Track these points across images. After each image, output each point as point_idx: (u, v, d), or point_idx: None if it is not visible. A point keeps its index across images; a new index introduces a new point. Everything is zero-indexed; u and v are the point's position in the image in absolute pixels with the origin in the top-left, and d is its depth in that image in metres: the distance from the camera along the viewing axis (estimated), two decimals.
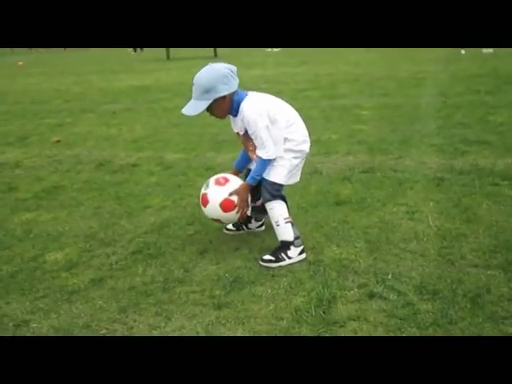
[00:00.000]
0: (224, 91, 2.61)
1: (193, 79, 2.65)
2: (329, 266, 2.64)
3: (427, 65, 11.35)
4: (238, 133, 2.83)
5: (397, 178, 3.91)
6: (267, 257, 2.71)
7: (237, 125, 2.78)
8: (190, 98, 2.67)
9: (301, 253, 2.73)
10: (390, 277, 2.49)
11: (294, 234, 2.73)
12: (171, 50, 19.74)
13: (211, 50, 18.89)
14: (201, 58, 17.93)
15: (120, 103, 8.68)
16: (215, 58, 18.00)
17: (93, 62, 21.09)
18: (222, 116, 2.76)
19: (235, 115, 2.73)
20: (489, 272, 2.48)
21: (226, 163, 4.58)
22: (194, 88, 2.65)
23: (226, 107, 2.68)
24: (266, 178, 2.72)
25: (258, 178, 2.72)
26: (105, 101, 9.05)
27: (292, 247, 2.71)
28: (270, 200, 2.72)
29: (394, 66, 11.64)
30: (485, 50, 12.71)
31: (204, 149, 5.22)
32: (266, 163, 2.69)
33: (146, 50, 26.20)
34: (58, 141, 6.03)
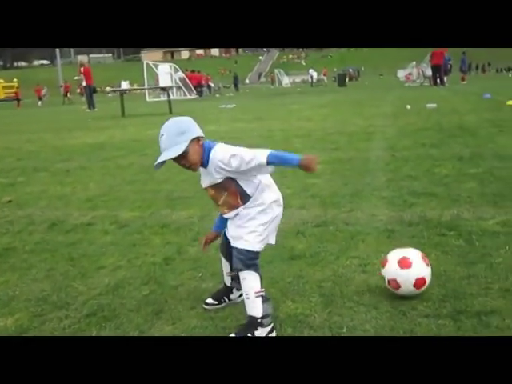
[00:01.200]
0: (197, 132, 2.52)
1: (159, 133, 2.51)
2: (284, 321, 2.67)
3: (376, 119, 11.81)
4: (206, 188, 2.67)
5: (349, 231, 4.02)
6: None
7: (206, 178, 2.63)
8: (156, 156, 2.53)
9: (269, 332, 2.53)
10: (344, 330, 2.53)
11: (264, 310, 2.52)
12: (126, 106, 19.86)
13: (166, 106, 19.11)
14: (156, 114, 18.15)
15: (74, 161, 8.63)
16: (170, 114, 18.23)
17: (46, 120, 20.96)
18: (197, 161, 2.54)
19: (206, 165, 2.56)
20: (439, 321, 2.55)
21: (181, 220, 4.60)
22: (163, 139, 2.48)
23: (200, 151, 2.52)
24: (237, 245, 2.56)
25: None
26: (58, 159, 8.99)
27: (259, 328, 2.50)
28: (241, 270, 2.54)
29: (344, 121, 12.05)
30: (428, 105, 13.35)
31: (159, 206, 5.23)
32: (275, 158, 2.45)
33: (100, 107, 26.28)
34: (10, 201, 5.92)
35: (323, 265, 3.39)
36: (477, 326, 2.48)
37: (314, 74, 52.75)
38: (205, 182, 2.67)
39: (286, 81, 58.29)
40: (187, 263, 3.60)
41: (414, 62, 41.03)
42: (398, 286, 2.79)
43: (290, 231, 4.10)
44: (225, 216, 2.69)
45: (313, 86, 46.48)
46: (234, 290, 2.92)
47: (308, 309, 2.78)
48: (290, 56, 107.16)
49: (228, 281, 2.90)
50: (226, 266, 2.88)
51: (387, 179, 5.68)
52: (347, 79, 48.23)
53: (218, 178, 2.57)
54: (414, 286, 2.77)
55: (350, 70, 65.11)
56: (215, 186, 2.62)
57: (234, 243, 2.59)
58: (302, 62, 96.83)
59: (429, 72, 29.01)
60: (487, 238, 3.68)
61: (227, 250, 2.73)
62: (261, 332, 2.51)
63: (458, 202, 4.61)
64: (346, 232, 4.01)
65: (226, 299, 2.92)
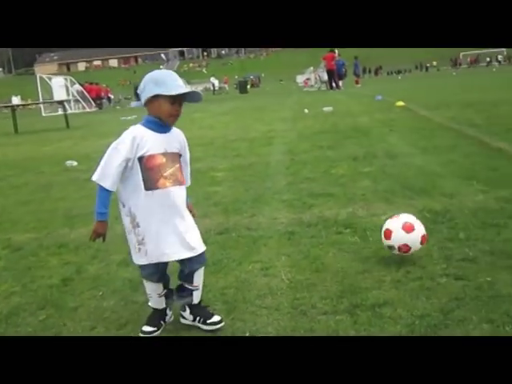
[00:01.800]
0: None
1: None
2: (188, 331, 2.65)
3: (276, 124, 12.08)
4: (154, 155, 2.53)
5: (251, 237, 4.07)
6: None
7: (161, 144, 2.58)
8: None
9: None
10: (247, 335, 2.55)
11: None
12: (20, 123, 18.89)
13: (63, 121, 18.39)
14: (52, 130, 17.44)
15: None
16: (68, 128, 17.59)
17: None
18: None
19: (168, 130, 2.64)
20: (337, 317, 2.64)
21: (80, 238, 4.43)
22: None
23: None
24: (199, 251, 2.63)
25: None
26: None
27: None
28: (198, 268, 2.69)
29: (246, 127, 12.21)
30: (325, 109, 13.85)
31: (56, 225, 5.01)
32: None
33: None
34: None
35: (226, 272, 3.41)
36: (371, 318, 2.59)
37: (216, 82, 53.09)
38: (158, 148, 2.54)
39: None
40: (87, 282, 3.48)
41: (312, 68, 42.40)
42: (408, 249, 3.19)
43: None
44: (165, 189, 2.53)
45: (215, 94, 46.69)
46: (168, 311, 2.79)
47: None
48: (191, 64, 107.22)
49: (162, 302, 2.75)
50: (156, 288, 2.70)
51: (287, 182, 5.82)
52: (249, 86, 48.92)
53: (175, 148, 2.62)
54: (421, 243, 3.22)
55: (251, 77, 66.15)
56: (169, 155, 2.57)
57: (192, 252, 2.58)
58: (204, 71, 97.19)
59: (325, 77, 30.09)
60: (380, 233, 3.86)
61: (162, 272, 2.68)
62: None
63: (353, 201, 4.81)
64: (248, 237, 4.06)
65: (163, 323, 2.74)
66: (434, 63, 74.26)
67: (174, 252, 2.56)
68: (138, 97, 3.49)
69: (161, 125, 2.58)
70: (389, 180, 5.46)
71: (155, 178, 2.52)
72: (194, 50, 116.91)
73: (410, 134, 8.53)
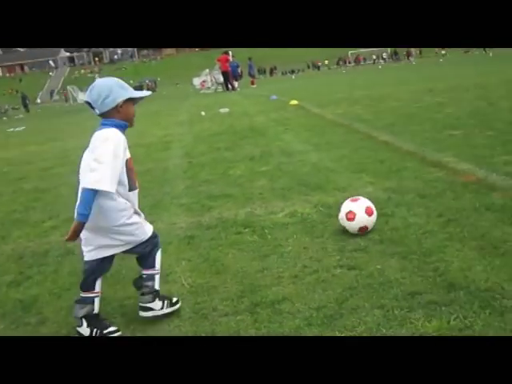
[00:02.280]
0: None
1: None
2: None
3: (173, 128, 11.98)
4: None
5: None
6: None
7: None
8: None
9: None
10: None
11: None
12: None
13: None
14: None
15: None
16: None
17: None
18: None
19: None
20: (238, 317, 2.66)
21: None
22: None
23: None
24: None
25: None
26: None
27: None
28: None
29: (142, 132, 11.94)
30: (222, 110, 13.93)
31: None
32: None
33: None
34: None
35: (125, 283, 3.32)
36: (271, 314, 2.64)
37: None
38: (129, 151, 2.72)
39: (81, 97, 55.97)
40: None
41: (207, 70, 42.40)
42: (366, 228, 3.57)
43: None
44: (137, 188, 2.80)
45: None
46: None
47: None
48: (83, 71, 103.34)
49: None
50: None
51: (186, 186, 5.78)
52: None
53: None
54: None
55: (147, 82, 65.01)
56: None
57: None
58: (96, 76, 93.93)
59: (221, 78, 30.24)
60: (278, 230, 3.95)
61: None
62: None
63: (251, 200, 4.87)
64: None
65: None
66: (326, 62, 77.03)
67: None
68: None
69: (127, 128, 2.71)
70: (285, 177, 5.59)
71: (133, 178, 2.74)
72: (85, 55, 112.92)
73: (303, 131, 8.79)
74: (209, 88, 37.61)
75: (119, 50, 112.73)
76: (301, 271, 3.14)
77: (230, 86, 28.44)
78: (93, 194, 2.49)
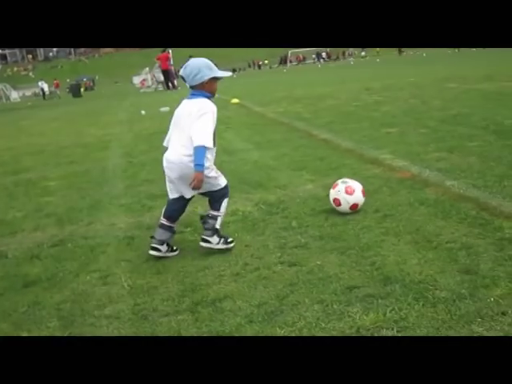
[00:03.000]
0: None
1: None
2: None
3: (113, 128, 11.73)
4: None
5: (89, 246, 3.89)
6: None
7: None
8: None
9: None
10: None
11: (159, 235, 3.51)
12: None
13: None
14: None
15: None
16: None
17: None
18: None
19: None
20: (179, 317, 2.64)
21: None
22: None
23: None
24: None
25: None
26: None
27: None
28: None
29: (80, 132, 11.67)
30: (162, 109, 13.76)
31: None
32: None
33: None
34: None
35: (62, 286, 3.22)
36: (212, 313, 2.63)
37: (45, 87, 49.81)
38: None
39: (14, 95, 53.94)
40: None
41: (147, 68, 41.80)
42: (356, 205, 3.87)
43: (23, 257, 3.81)
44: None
45: (46, 99, 43.89)
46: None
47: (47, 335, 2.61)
48: (16, 68, 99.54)
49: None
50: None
51: (125, 186, 5.68)
52: (82, 89, 46.75)
53: None
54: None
55: (85, 80, 63.31)
56: None
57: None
58: (31, 74, 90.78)
59: (162, 77, 29.88)
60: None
61: None
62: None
63: (193, 199, 4.82)
64: (85, 247, 3.88)
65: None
66: (266, 61, 77.55)
67: None
68: (183, 79, 3.40)
69: (211, 98, 3.42)
70: (226, 176, 5.56)
71: (215, 139, 3.38)
72: (18, 52, 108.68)
73: (245, 130, 8.82)
74: (149, 87, 37.12)
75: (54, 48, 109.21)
76: (242, 269, 3.15)
77: (170, 84, 28.15)
78: (205, 149, 3.22)
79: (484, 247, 3.05)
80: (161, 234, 3.46)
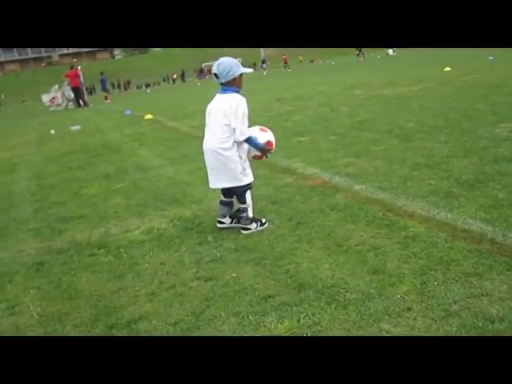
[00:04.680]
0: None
1: None
2: None
3: (20, 149, 11.22)
4: None
5: None
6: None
7: None
8: None
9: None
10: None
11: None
12: None
13: None
14: None
15: None
16: None
17: None
18: None
19: None
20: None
21: None
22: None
23: None
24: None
25: None
26: None
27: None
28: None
29: None
30: (73, 128, 13.36)
31: None
32: None
33: None
34: None
35: None
36: (127, 335, 2.57)
37: None
38: None
39: None
40: None
41: (57, 86, 40.42)
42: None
43: None
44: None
45: None
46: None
47: None
48: None
49: None
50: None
51: (34, 210, 5.45)
52: None
53: None
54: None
55: None
56: None
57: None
58: None
59: (72, 95, 28.98)
60: (134, 248, 3.87)
61: None
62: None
63: (106, 219, 4.72)
64: None
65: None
66: (174, 76, 77.07)
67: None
68: (216, 76, 3.29)
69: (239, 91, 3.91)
70: (141, 194, 5.50)
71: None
72: None
73: (159, 145, 8.73)
74: (59, 105, 35.87)
75: None
76: (158, 287, 3.10)
77: (81, 102, 27.38)
78: (250, 138, 3.82)
79: (390, 247, 3.19)
80: (221, 209, 4.07)
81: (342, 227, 3.64)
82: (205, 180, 5.65)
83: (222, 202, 4.11)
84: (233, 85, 3.85)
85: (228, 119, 3.74)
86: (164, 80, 78.81)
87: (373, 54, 52.53)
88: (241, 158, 3.85)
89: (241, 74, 3.87)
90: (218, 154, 3.82)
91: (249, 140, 3.83)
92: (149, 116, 13.70)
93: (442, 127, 6.61)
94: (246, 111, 3.80)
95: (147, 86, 71.26)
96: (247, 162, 3.93)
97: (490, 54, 18.77)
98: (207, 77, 71.87)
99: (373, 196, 4.23)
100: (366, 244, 3.29)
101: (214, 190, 5.20)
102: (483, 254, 2.93)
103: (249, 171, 3.94)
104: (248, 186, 3.93)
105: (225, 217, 4.07)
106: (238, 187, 3.90)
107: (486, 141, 5.51)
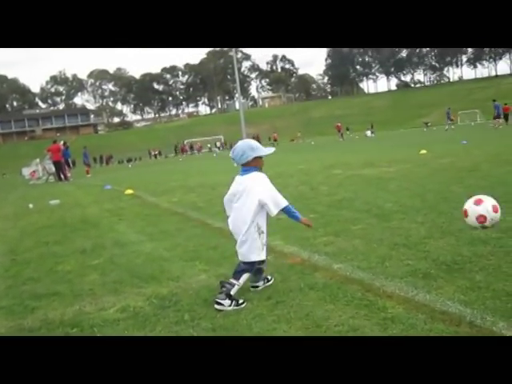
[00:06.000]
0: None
1: None
2: None
3: None
4: None
5: None
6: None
7: None
8: None
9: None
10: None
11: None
12: None
13: None
14: None
15: None
16: None
17: None
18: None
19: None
20: None
21: None
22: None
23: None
24: None
25: None
26: None
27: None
28: None
29: None
30: (52, 202, 13.30)
31: None
32: None
33: None
34: None
35: None
36: None
37: None
38: None
39: None
40: None
41: (38, 159, 40.62)
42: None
43: None
44: None
45: None
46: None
47: None
48: None
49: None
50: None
51: (7, 286, 5.29)
52: None
53: None
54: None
55: None
56: None
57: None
58: None
59: (53, 168, 29.08)
60: (108, 327, 3.76)
61: None
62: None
63: (80, 297, 4.61)
64: None
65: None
66: (154, 152, 78.07)
67: None
68: (233, 160, 3.47)
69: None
70: (118, 270, 5.41)
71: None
72: None
73: (138, 221, 8.69)
74: (40, 178, 35.89)
75: None
76: None
77: (62, 175, 27.44)
78: (288, 206, 4.13)
79: (370, 328, 3.16)
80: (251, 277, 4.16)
81: (321, 307, 3.61)
82: (183, 256, 5.65)
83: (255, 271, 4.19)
84: (251, 165, 4.04)
85: (256, 197, 3.94)
86: (149, 155, 79.70)
87: (351, 136, 54.23)
88: (260, 234, 4.03)
89: (256, 157, 4.01)
90: (242, 237, 4.02)
91: (287, 210, 4.07)
92: (129, 191, 13.74)
93: (420, 208, 6.75)
94: (272, 186, 4.04)
95: (129, 160, 72.08)
96: (261, 239, 4.06)
97: (463, 139, 19.48)
98: (189, 153, 73.08)
99: (352, 275, 4.23)
100: (345, 325, 3.25)
101: (192, 267, 5.19)
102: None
103: (256, 252, 4.02)
104: (251, 267, 4.01)
105: (257, 281, 4.23)
106: (243, 262, 4.03)
107: (462, 223, 5.60)
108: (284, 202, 4.02)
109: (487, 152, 14.12)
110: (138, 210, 10.24)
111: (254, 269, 4.05)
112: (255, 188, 3.96)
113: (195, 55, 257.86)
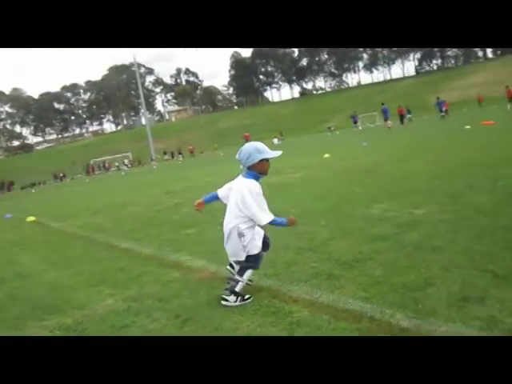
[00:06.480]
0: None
1: None
2: None
3: None
4: None
5: None
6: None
7: None
8: None
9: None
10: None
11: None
12: None
13: None
14: None
15: None
16: None
17: None
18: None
19: None
20: None
21: None
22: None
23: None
24: None
25: None
26: None
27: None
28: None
29: None
30: None
31: None
32: None
33: None
34: None
35: None
36: None
37: None
38: None
39: None
40: None
41: None
42: None
43: None
44: None
45: None
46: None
47: None
48: None
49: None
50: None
51: None
52: None
53: None
54: None
55: None
56: None
57: None
58: None
59: None
60: None
61: None
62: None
63: None
64: None
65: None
66: (61, 174, 75.40)
67: None
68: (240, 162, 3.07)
69: (260, 177, 4.06)
70: (18, 304, 5.11)
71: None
72: None
73: (41, 249, 8.29)
74: None
75: None
76: None
77: None
78: (274, 221, 3.93)
79: (277, 334, 3.20)
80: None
81: (230, 319, 3.61)
82: (88, 282, 5.44)
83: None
84: (253, 170, 4.00)
85: (242, 205, 3.92)
86: (55, 177, 76.43)
87: None
88: (246, 236, 3.95)
89: (263, 160, 3.96)
90: (230, 234, 3.99)
91: (273, 224, 3.92)
92: (31, 218, 13.09)
93: (323, 211, 6.95)
94: (259, 193, 3.94)
95: (32, 185, 68.69)
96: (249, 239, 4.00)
97: (363, 141, 20.37)
98: (97, 172, 70.90)
99: (259, 283, 4.27)
100: (252, 334, 3.26)
101: (98, 292, 5.01)
102: (364, 332, 3.01)
103: (251, 249, 3.98)
104: (251, 264, 4.02)
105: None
106: (242, 261, 4.04)
107: (362, 221, 5.84)
108: (264, 220, 3.90)
109: (385, 153, 14.86)
110: (41, 237, 9.77)
111: (259, 263, 4.07)
112: (245, 197, 3.92)
113: (96, 71, 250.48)
